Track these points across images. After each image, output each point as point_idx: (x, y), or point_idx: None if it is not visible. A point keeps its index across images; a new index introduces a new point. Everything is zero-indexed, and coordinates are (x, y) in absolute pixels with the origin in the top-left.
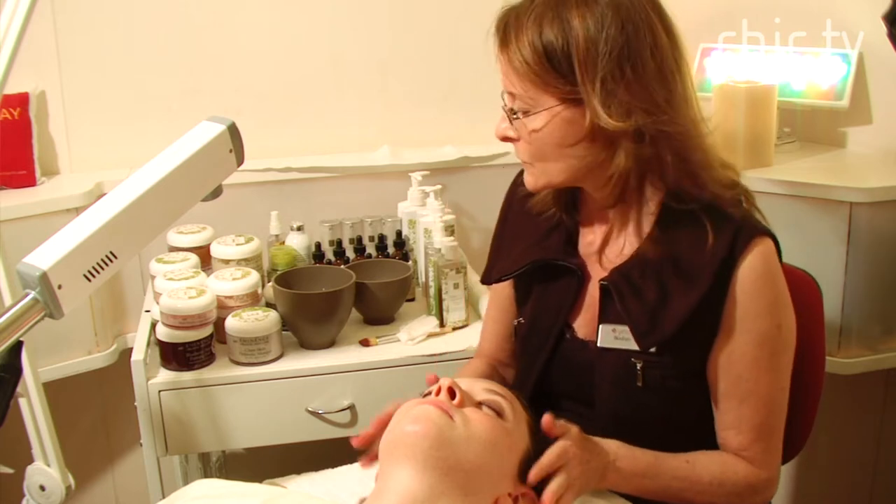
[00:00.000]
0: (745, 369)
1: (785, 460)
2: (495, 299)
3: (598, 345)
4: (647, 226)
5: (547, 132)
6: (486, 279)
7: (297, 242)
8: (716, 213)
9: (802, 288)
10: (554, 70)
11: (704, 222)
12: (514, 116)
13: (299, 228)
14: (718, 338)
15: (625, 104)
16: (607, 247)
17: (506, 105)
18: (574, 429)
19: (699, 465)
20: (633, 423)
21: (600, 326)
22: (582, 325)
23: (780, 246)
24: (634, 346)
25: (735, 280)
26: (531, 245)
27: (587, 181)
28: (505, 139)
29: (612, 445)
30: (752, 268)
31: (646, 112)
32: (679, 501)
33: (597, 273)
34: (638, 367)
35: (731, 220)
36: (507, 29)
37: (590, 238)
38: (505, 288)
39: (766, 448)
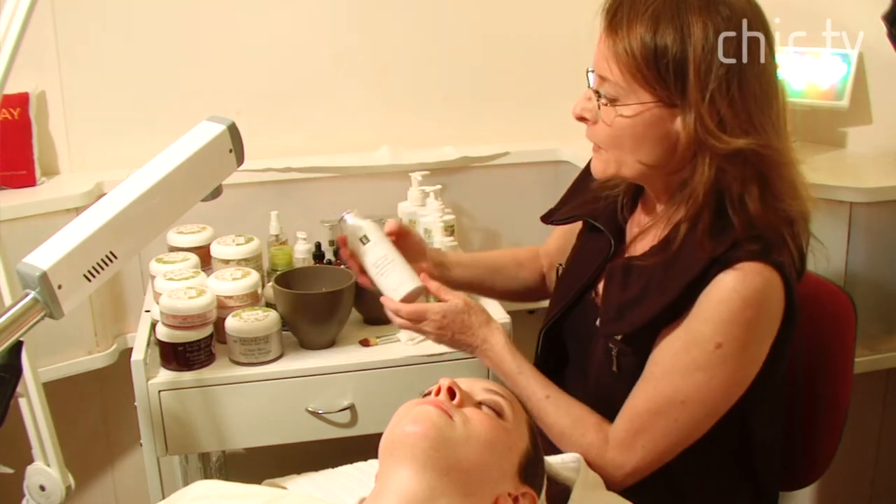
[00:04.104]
0: (661, 356)
1: (807, 482)
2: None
3: (598, 324)
4: (671, 230)
5: (630, 124)
6: (545, 218)
7: (300, 248)
8: (728, 234)
9: (837, 309)
10: (659, 72)
11: (715, 242)
12: (602, 102)
13: (304, 240)
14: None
15: (726, 120)
16: (641, 237)
17: (591, 85)
18: (459, 303)
19: (560, 406)
20: (611, 405)
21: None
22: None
23: (792, 288)
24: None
25: (706, 289)
26: (586, 201)
27: (651, 181)
28: (580, 119)
29: (496, 336)
30: (724, 281)
31: (744, 132)
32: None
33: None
34: (613, 353)
35: (738, 245)
36: (618, 13)
37: (636, 222)
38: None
39: (626, 437)
